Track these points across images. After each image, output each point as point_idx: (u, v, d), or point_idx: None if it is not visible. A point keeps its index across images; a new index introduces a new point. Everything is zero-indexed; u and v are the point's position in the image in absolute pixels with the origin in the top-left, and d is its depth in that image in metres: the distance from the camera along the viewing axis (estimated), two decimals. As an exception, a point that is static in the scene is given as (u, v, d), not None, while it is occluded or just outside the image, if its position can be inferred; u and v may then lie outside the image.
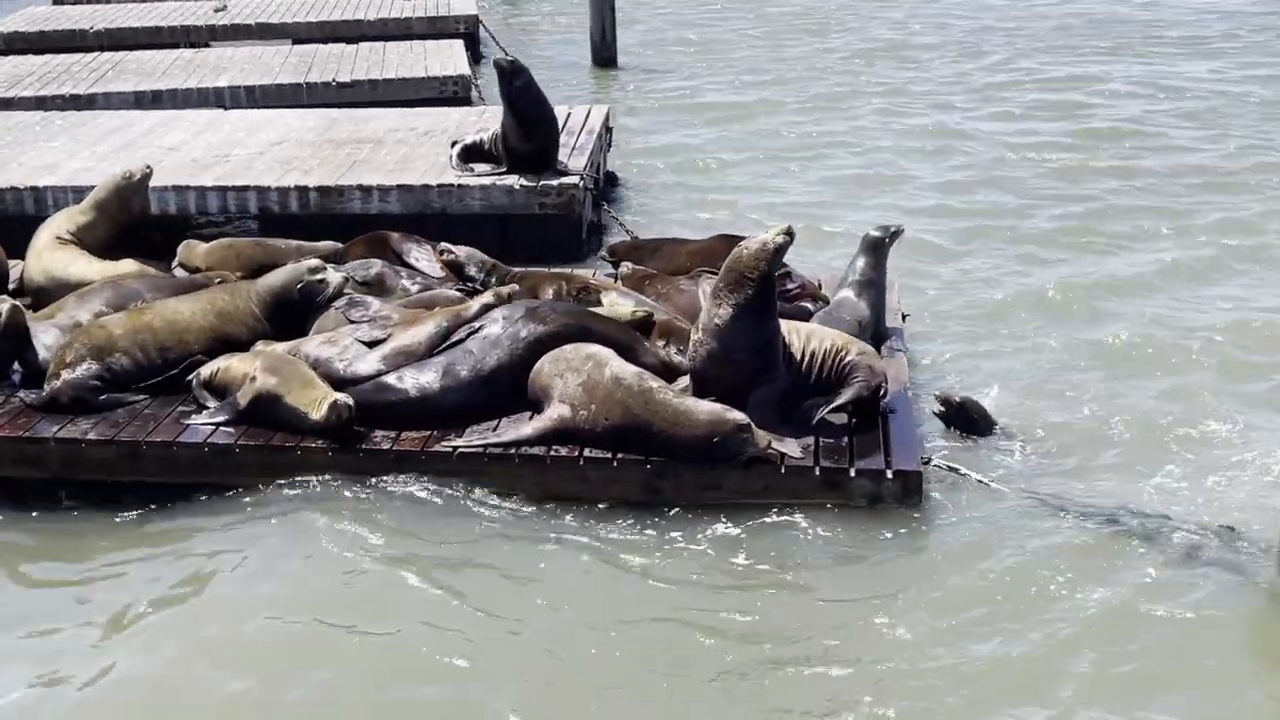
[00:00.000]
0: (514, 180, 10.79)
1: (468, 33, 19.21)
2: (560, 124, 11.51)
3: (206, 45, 18.43)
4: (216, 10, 19.95)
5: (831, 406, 7.05)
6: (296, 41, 18.39)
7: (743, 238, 8.23)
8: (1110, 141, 14.52)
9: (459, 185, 10.82)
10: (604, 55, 19.43)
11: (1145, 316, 9.49)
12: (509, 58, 10.99)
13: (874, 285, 8.17)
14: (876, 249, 8.27)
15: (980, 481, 6.89)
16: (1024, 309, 9.61)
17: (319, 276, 7.82)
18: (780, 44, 21.04)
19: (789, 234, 7.10)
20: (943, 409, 7.67)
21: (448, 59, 16.04)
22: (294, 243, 9.22)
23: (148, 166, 9.32)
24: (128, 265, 8.60)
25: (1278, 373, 8.41)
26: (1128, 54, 19.39)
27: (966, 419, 7.64)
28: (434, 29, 19.10)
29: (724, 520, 6.70)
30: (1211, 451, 7.40)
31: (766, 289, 7.07)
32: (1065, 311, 9.63)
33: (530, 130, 10.78)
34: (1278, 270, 10.46)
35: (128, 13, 20.30)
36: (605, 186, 12.36)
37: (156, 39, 18.63)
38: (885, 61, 19.39)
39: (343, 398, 6.92)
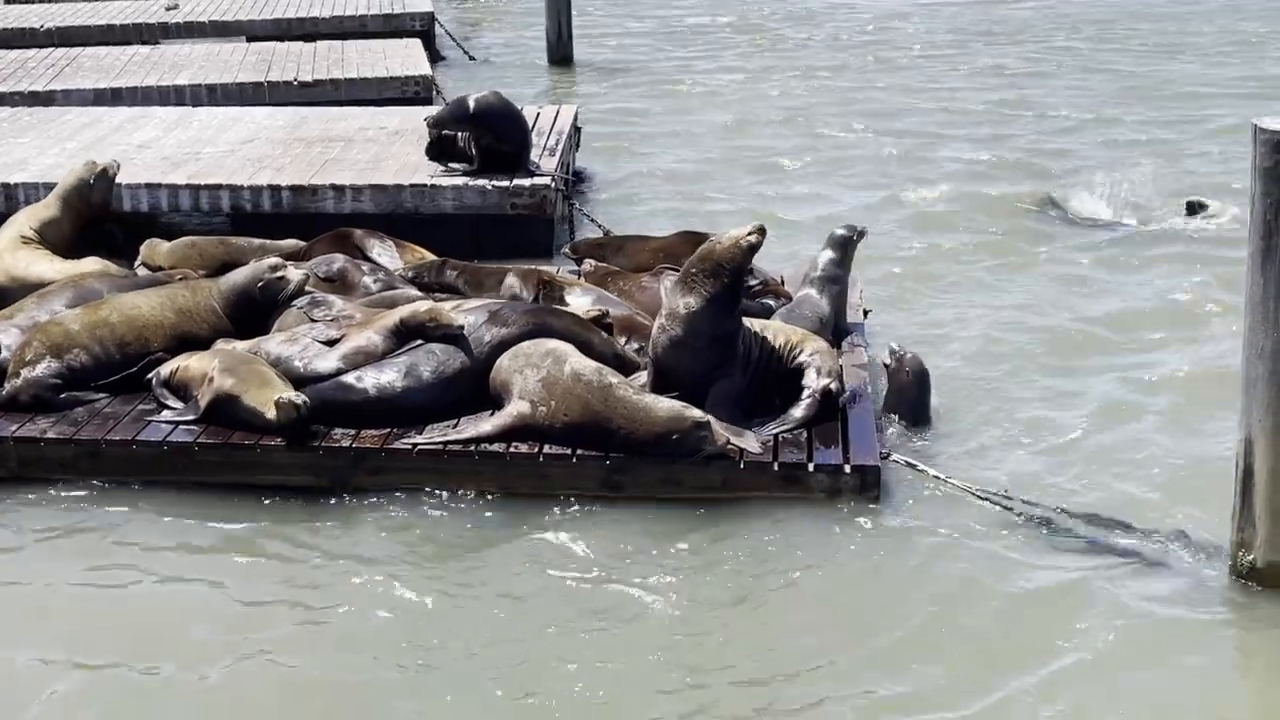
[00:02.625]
0: (486, 180, 10.79)
1: (424, 30, 19.13)
2: (530, 124, 11.54)
3: (158, 43, 18.28)
4: (168, 8, 19.80)
5: (785, 427, 7.07)
6: (250, 39, 18.30)
7: (705, 234, 8.28)
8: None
9: (431, 185, 10.82)
10: (560, 55, 19.42)
11: (1105, 313, 9.54)
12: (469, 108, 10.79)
13: (836, 282, 8.21)
14: (842, 247, 8.31)
15: (937, 477, 6.89)
16: (981, 307, 9.59)
17: (279, 274, 7.80)
18: (739, 40, 21.11)
19: (762, 232, 7.16)
20: (892, 365, 7.58)
21: (409, 59, 16.04)
22: (256, 241, 9.21)
23: (115, 162, 9.30)
24: (90, 264, 8.58)
25: (1230, 368, 8.39)
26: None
27: (915, 387, 7.54)
28: (389, 27, 19.04)
29: (683, 515, 6.70)
30: (1164, 449, 7.41)
31: (736, 283, 7.14)
32: (1026, 309, 9.63)
33: (503, 134, 10.78)
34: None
35: (79, 11, 20.21)
36: (574, 185, 12.38)
37: (109, 37, 18.50)
38: (848, 55, 19.49)
39: (289, 396, 6.88)
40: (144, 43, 18.18)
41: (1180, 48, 19.76)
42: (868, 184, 13.14)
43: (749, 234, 7.11)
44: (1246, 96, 16.27)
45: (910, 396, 7.58)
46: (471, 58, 19.64)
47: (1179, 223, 11.44)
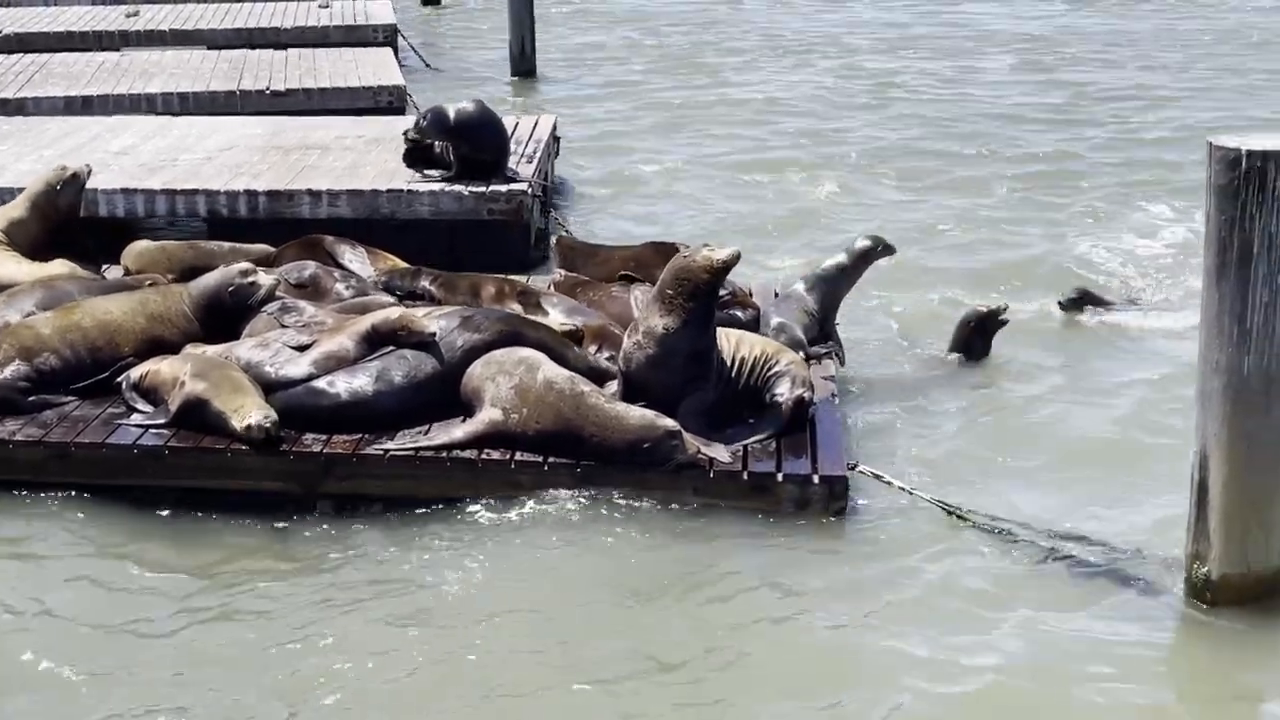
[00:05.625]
0: (463, 186, 10.83)
1: (386, 41, 18.96)
2: (510, 133, 11.60)
3: (118, 50, 18.14)
4: (129, 15, 19.68)
5: (756, 437, 7.14)
6: (211, 48, 18.15)
7: (674, 245, 8.35)
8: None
9: (408, 191, 10.85)
10: (524, 68, 19.46)
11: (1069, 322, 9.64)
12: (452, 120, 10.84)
13: (830, 284, 8.37)
14: (859, 256, 8.51)
15: (903, 489, 6.96)
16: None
17: (250, 279, 7.83)
18: (705, 52, 21.25)
19: (736, 255, 7.20)
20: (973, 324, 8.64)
21: (381, 69, 16.03)
22: (226, 245, 9.23)
23: (85, 166, 9.33)
24: (57, 267, 8.60)
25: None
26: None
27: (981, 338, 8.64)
28: (352, 37, 18.87)
29: (652, 523, 6.75)
30: (1122, 464, 7.50)
31: (711, 301, 7.20)
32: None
33: (482, 144, 10.83)
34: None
35: (38, 17, 20.11)
36: (553, 194, 12.44)
37: (68, 43, 18.41)
38: (805, 58, 19.70)
39: (258, 420, 6.88)
40: (104, 49, 18.04)
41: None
42: (835, 192, 13.28)
43: (723, 255, 7.14)
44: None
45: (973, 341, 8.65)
46: (433, 69, 19.67)
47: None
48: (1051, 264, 10.96)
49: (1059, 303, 9.68)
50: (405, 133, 11.01)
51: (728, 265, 7.15)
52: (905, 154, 14.66)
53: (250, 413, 6.91)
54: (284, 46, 17.88)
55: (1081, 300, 9.65)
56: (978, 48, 21.32)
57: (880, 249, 8.60)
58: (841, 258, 8.47)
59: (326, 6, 20.48)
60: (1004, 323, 8.85)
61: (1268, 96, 17.48)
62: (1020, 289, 10.24)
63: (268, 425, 6.89)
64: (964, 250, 11.40)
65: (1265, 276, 5.54)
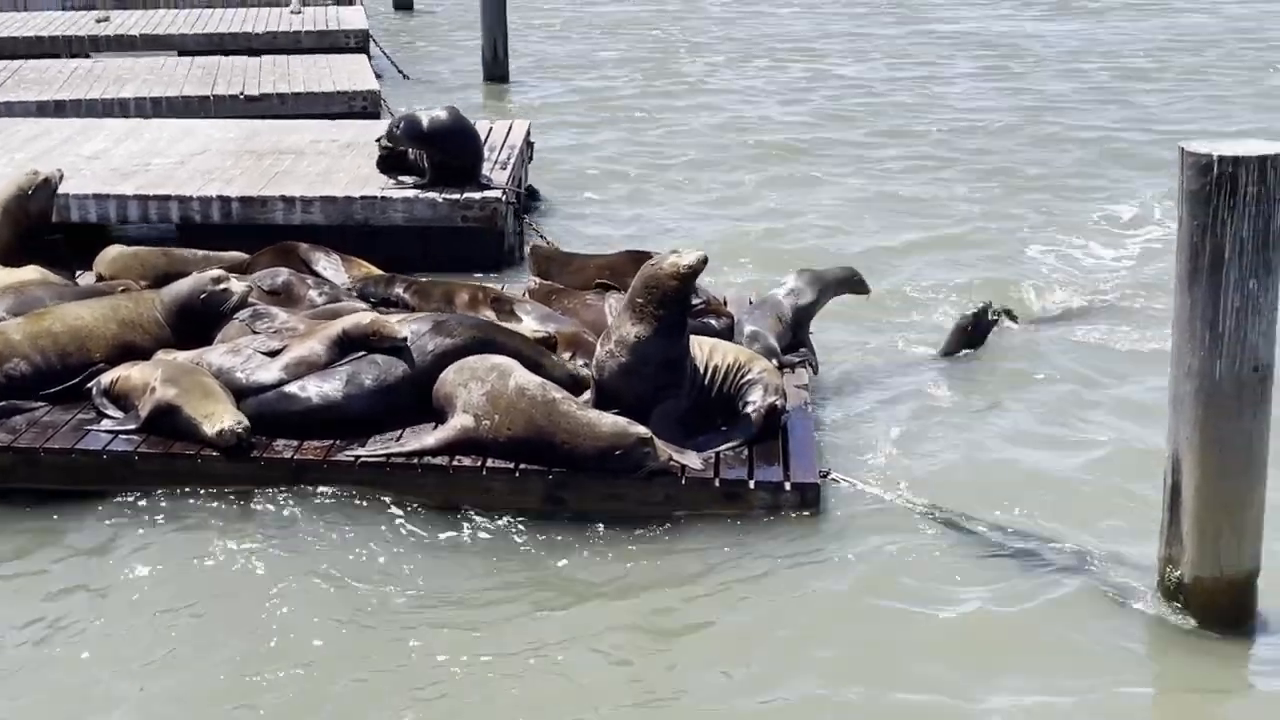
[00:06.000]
0: (437, 193, 10.81)
1: (359, 46, 18.94)
2: (483, 139, 11.59)
3: (88, 56, 18.04)
4: (99, 21, 19.54)
5: (728, 444, 7.13)
6: (183, 53, 18.07)
7: (649, 253, 8.34)
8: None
9: (382, 197, 10.83)
10: (496, 73, 19.45)
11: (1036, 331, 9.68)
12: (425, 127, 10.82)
13: (801, 297, 8.42)
14: (838, 283, 8.70)
15: (875, 495, 6.96)
16: (932, 331, 9.68)
17: (222, 286, 7.78)
18: (674, 57, 21.32)
19: (703, 260, 7.19)
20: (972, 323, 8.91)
21: (355, 74, 15.99)
22: (200, 252, 9.19)
23: (57, 171, 9.26)
24: (28, 273, 8.53)
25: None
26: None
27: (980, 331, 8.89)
28: (324, 43, 18.82)
29: (624, 530, 6.73)
30: (1096, 467, 7.52)
31: (682, 307, 7.17)
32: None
33: (456, 151, 10.81)
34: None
35: (6, 22, 19.98)
36: (527, 200, 12.43)
37: (37, 49, 18.32)
38: (777, 65, 19.76)
39: (229, 427, 6.84)
40: (73, 55, 17.92)
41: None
42: (806, 199, 13.32)
43: (689, 260, 7.13)
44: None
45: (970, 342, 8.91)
46: (406, 76, 19.64)
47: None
48: (1016, 270, 11.02)
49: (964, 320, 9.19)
50: (378, 140, 10.98)
51: (695, 270, 7.14)
52: (875, 161, 14.72)
53: (222, 418, 6.86)
54: (256, 52, 17.80)
55: (981, 319, 9.18)
56: (946, 53, 21.43)
57: (856, 282, 8.81)
58: (823, 278, 8.57)
59: (299, 12, 20.42)
60: (995, 320, 9.05)
61: (1237, 104, 17.60)
62: (988, 294, 10.27)
63: (240, 431, 6.85)
64: (937, 258, 11.42)
65: (1237, 281, 5.55)
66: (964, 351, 9.00)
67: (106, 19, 19.76)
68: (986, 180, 14.00)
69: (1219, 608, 5.91)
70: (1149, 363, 8.80)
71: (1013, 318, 9.35)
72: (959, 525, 6.76)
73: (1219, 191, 5.47)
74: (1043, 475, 7.43)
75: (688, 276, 7.12)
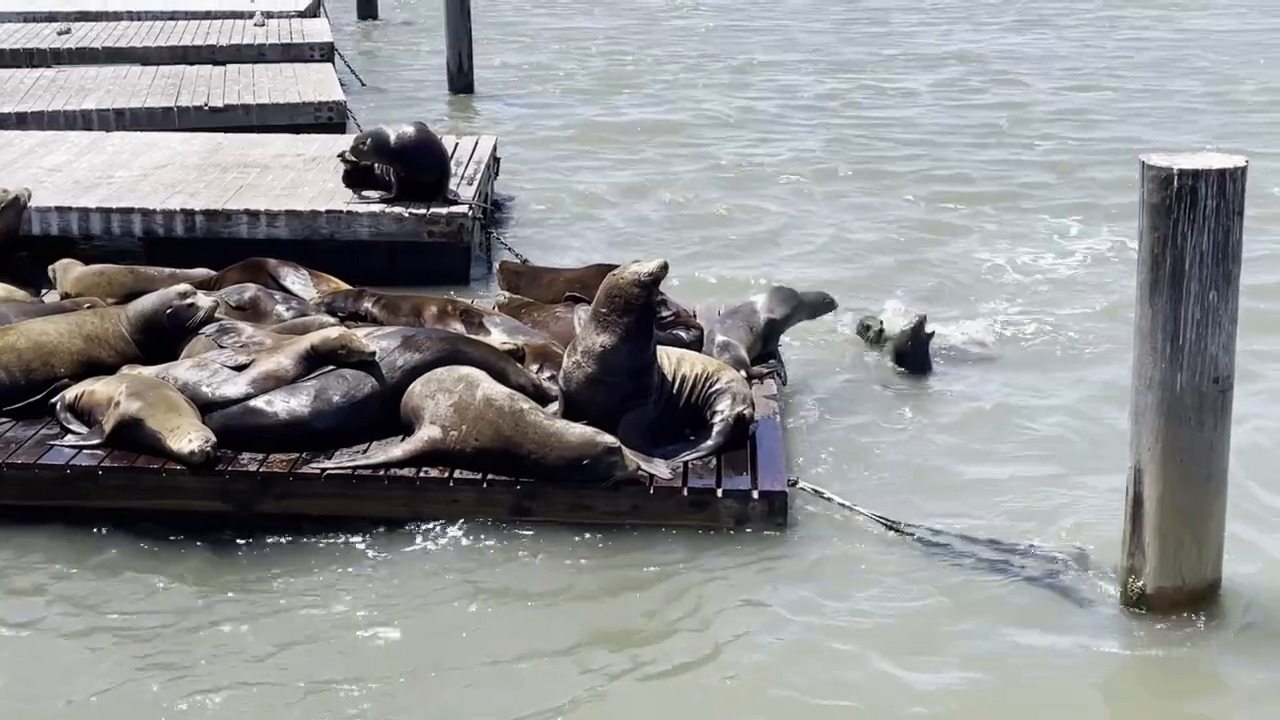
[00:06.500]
0: (403, 208, 10.81)
1: (324, 59, 18.80)
2: (450, 153, 11.61)
3: (50, 67, 17.78)
4: (60, 33, 19.30)
5: (697, 454, 7.17)
6: (146, 65, 17.90)
7: (618, 266, 8.37)
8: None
9: (347, 211, 10.81)
10: (461, 84, 19.44)
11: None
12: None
13: (777, 311, 8.51)
14: (811, 307, 8.81)
15: (843, 505, 7.00)
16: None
17: (189, 301, 7.74)
18: (639, 70, 21.39)
19: (664, 267, 7.29)
20: (907, 337, 8.84)
21: (321, 84, 15.90)
22: (167, 270, 9.14)
23: (26, 190, 9.20)
24: (-7, 290, 8.48)
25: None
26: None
27: (920, 353, 8.79)
28: (289, 55, 18.63)
29: (592, 540, 6.76)
30: (1059, 478, 7.58)
31: (646, 316, 7.21)
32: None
33: (422, 166, 10.81)
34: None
35: None
36: (494, 214, 12.44)
37: None
38: (740, 78, 19.84)
39: (198, 445, 6.80)
40: (35, 66, 17.72)
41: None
42: (771, 211, 13.39)
43: (650, 267, 7.20)
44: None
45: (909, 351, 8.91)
46: (370, 87, 19.60)
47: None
48: (980, 280, 11.16)
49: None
50: (341, 154, 10.96)
51: (655, 277, 7.19)
52: (838, 174, 14.76)
53: (188, 433, 6.83)
54: (219, 64, 17.69)
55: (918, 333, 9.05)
56: (911, 68, 21.59)
57: (828, 305, 8.98)
58: (798, 300, 8.69)
59: (262, 24, 20.30)
60: (931, 334, 9.01)
61: (1197, 118, 17.80)
62: (952, 304, 10.42)
63: (208, 449, 6.82)
64: (902, 267, 11.53)
65: (1197, 293, 5.63)
66: (913, 364, 8.97)
67: (68, 30, 19.55)
68: (938, 191, 14.11)
69: (1180, 616, 5.98)
70: (1102, 367, 8.98)
71: (928, 334, 8.98)
72: (926, 533, 6.81)
73: (1179, 204, 5.55)
74: (1009, 482, 7.48)
75: (649, 284, 7.16)
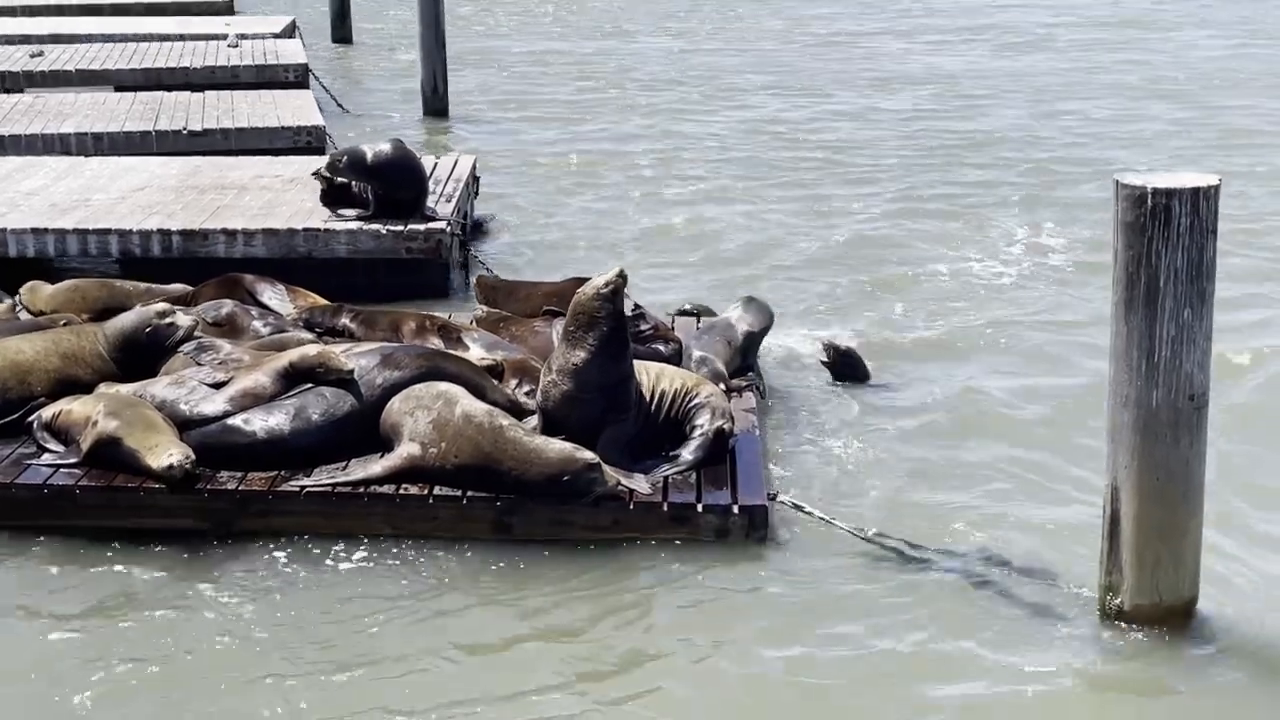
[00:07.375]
0: (380, 225, 10.82)
1: (298, 80, 18.73)
2: (429, 172, 11.63)
3: (22, 91, 17.68)
4: (33, 56, 19.19)
5: (676, 469, 7.19)
6: (119, 88, 17.78)
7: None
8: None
9: (325, 229, 10.81)
10: (436, 107, 19.42)
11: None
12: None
13: (754, 323, 8.62)
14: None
15: (823, 519, 7.02)
16: (884, 354, 9.80)
17: (168, 320, 7.72)
18: (613, 90, 21.46)
19: (622, 275, 7.29)
20: (827, 358, 8.93)
21: (300, 109, 15.84)
22: (142, 285, 9.12)
23: None
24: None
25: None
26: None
27: (849, 366, 8.92)
28: (262, 77, 18.55)
29: (572, 556, 6.76)
30: (1038, 486, 7.64)
31: (618, 330, 7.22)
32: (911, 352, 9.89)
33: (400, 184, 10.83)
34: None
35: None
36: (473, 231, 12.46)
37: None
38: (711, 98, 19.98)
39: (176, 461, 6.78)
40: (6, 91, 17.56)
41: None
42: (744, 225, 13.48)
43: (609, 279, 7.23)
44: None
45: (859, 377, 8.97)
46: (345, 109, 19.60)
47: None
48: (950, 292, 11.27)
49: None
50: (315, 172, 10.94)
51: (614, 286, 7.21)
52: (815, 192, 14.90)
53: (168, 451, 6.81)
54: (195, 87, 17.62)
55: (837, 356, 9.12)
56: (881, 87, 21.73)
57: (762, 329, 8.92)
58: (770, 308, 8.79)
59: (236, 46, 20.25)
60: (847, 350, 9.01)
61: (1166, 141, 17.95)
62: (930, 314, 10.51)
63: (187, 466, 6.79)
64: (876, 281, 11.61)
65: (1171, 311, 5.67)
66: (851, 377, 9.01)
67: (41, 54, 19.46)
68: (899, 204, 14.24)
69: (1158, 633, 6.01)
70: (1076, 376, 9.05)
71: (845, 351, 9.02)
72: (903, 550, 6.83)
73: (1153, 223, 5.60)
74: (988, 502, 7.50)
75: (610, 295, 7.18)
